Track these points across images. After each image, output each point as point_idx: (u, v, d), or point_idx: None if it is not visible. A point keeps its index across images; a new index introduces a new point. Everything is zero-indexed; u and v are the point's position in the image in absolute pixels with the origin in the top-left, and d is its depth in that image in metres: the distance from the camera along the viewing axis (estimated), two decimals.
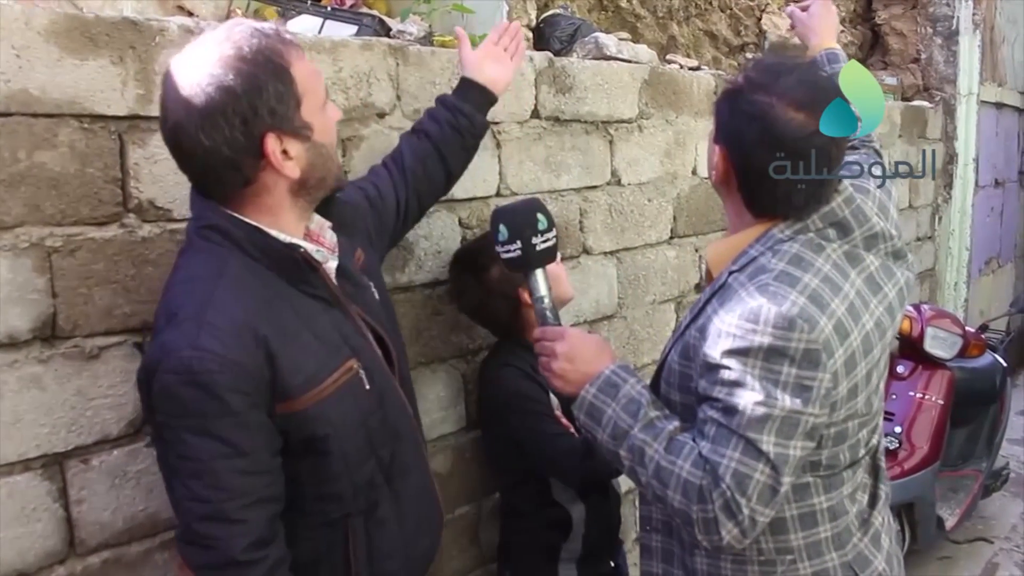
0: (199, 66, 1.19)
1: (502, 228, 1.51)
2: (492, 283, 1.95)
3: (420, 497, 1.47)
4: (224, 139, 1.19)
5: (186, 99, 1.19)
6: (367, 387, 1.35)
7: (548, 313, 1.51)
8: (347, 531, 1.36)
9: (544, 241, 1.50)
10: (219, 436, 1.19)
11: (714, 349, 1.28)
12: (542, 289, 1.51)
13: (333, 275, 1.38)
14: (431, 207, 1.88)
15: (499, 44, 1.87)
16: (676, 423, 1.35)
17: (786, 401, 1.23)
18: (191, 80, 1.19)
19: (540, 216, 1.50)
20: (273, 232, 1.28)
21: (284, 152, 1.24)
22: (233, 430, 1.19)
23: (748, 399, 1.24)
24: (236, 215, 1.27)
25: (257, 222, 1.27)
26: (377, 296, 1.51)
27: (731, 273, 1.36)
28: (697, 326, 1.36)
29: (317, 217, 1.40)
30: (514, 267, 1.52)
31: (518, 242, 1.49)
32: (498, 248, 1.53)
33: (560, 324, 1.50)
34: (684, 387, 1.39)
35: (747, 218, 1.40)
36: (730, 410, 1.25)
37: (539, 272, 1.50)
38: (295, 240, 1.30)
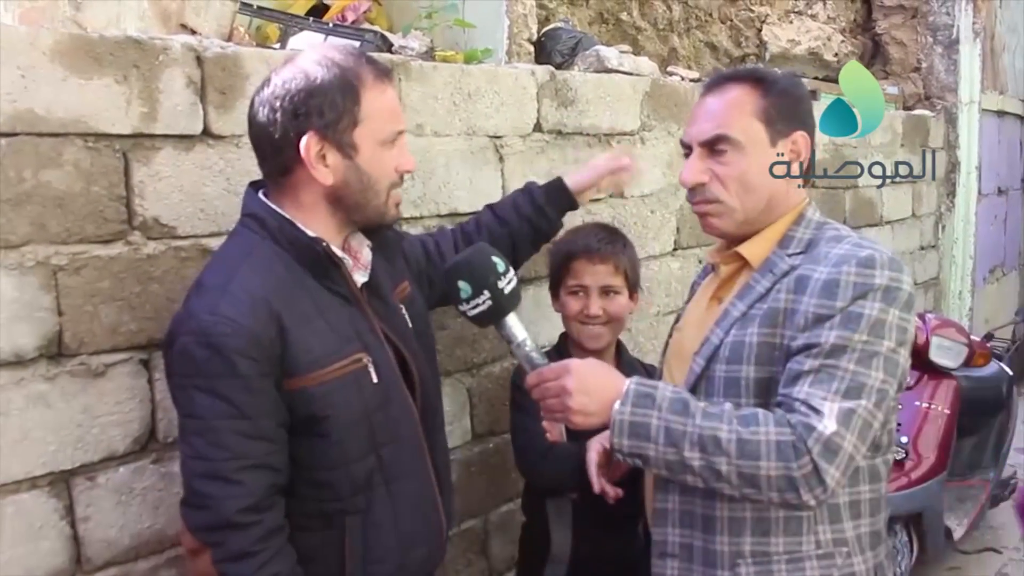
0: (291, 63, 1.36)
1: (462, 285, 1.38)
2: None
3: (419, 504, 1.47)
4: (273, 121, 1.32)
5: (264, 82, 1.36)
6: (374, 380, 1.38)
7: (534, 355, 1.38)
8: (343, 530, 1.38)
9: (508, 283, 1.40)
10: (224, 396, 1.26)
11: (829, 298, 1.30)
12: (520, 333, 1.39)
13: (359, 284, 1.42)
14: None
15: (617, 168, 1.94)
16: (728, 404, 1.31)
17: (892, 340, 1.29)
18: (279, 71, 1.35)
19: (495, 259, 1.40)
20: (302, 226, 1.35)
21: (322, 157, 1.33)
22: (239, 393, 1.26)
23: (858, 338, 1.28)
24: (274, 207, 1.37)
25: (292, 216, 1.36)
26: (410, 324, 1.52)
27: (789, 255, 1.39)
28: (780, 299, 1.35)
29: (360, 235, 1.47)
30: (486, 320, 1.40)
31: (485, 292, 1.37)
32: (463, 308, 1.40)
33: (548, 363, 1.38)
34: (766, 358, 1.35)
35: (792, 200, 1.45)
36: (837, 350, 1.27)
37: (511, 316, 1.40)
38: (320, 236, 1.36)
